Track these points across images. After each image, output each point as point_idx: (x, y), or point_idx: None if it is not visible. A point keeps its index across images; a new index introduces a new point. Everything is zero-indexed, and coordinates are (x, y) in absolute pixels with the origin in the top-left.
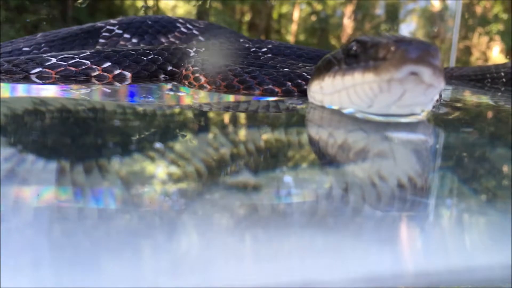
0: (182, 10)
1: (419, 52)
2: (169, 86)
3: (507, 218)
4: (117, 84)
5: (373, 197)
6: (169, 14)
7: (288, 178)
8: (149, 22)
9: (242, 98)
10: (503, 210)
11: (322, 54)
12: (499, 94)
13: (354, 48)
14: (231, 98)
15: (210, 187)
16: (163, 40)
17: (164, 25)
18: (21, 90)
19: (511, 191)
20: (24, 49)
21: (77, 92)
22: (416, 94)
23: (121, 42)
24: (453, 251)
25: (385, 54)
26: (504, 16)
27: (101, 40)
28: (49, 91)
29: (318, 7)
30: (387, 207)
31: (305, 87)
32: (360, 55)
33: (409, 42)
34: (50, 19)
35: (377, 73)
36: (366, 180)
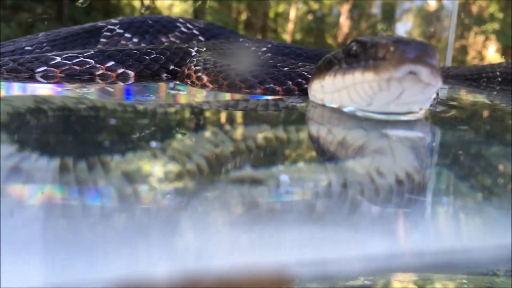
0: (178, 8)
1: (417, 52)
2: (171, 85)
3: (503, 213)
4: (121, 83)
5: (372, 192)
6: (166, 13)
7: (288, 174)
8: (150, 22)
9: (238, 96)
10: (499, 206)
11: (320, 54)
12: (495, 93)
13: (354, 48)
14: (227, 96)
15: (210, 183)
16: (163, 39)
17: (165, 24)
18: (25, 89)
19: (510, 188)
20: (26, 48)
21: (80, 91)
22: (414, 93)
23: (122, 42)
24: (447, 240)
25: (385, 54)
26: (500, 15)
27: (102, 40)
28: (52, 90)
29: (315, 6)
30: (385, 202)
31: (305, 86)
32: (360, 55)
33: (407, 43)
34: (46, 18)
35: (377, 72)
36: (365, 176)
